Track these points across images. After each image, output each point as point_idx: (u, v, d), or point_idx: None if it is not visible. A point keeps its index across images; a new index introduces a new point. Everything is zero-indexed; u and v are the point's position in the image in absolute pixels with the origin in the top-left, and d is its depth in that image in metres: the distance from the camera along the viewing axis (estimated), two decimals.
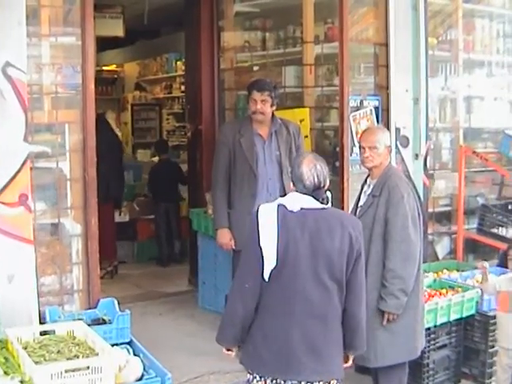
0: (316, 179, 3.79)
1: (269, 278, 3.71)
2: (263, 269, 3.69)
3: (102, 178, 8.92)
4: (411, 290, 4.84)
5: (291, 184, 3.89)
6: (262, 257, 3.68)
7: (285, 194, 5.41)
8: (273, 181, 6.21)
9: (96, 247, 5.19)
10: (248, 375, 3.86)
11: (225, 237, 6.25)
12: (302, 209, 3.76)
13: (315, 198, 3.79)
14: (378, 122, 6.83)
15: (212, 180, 6.42)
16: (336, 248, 3.71)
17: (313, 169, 3.81)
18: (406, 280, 4.81)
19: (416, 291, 4.97)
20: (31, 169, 4.84)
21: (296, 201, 3.79)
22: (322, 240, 3.73)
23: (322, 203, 3.79)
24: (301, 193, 3.81)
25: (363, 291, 3.87)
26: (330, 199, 3.85)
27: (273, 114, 6.28)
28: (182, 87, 12.56)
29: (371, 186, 5.11)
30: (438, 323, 5.90)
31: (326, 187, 3.84)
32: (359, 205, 5.20)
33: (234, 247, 6.23)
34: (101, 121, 9.57)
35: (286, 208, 3.76)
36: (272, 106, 6.18)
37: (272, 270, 3.69)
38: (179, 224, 10.05)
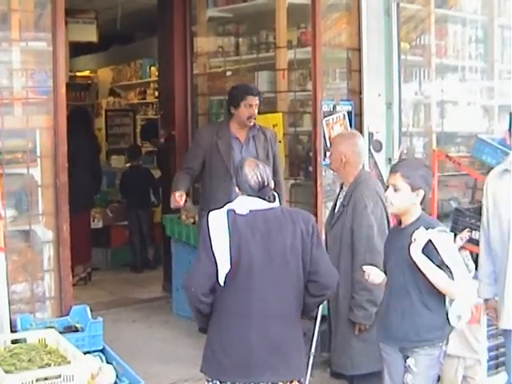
0: (260, 178, 3.86)
1: (224, 283, 3.75)
2: (217, 274, 3.75)
3: (81, 182, 9.05)
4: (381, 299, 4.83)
5: (237, 188, 3.94)
6: (216, 262, 3.73)
7: None
8: None
9: (68, 254, 5.15)
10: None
11: (174, 196, 6.18)
12: (250, 211, 3.79)
13: (262, 198, 3.85)
14: (351, 126, 6.85)
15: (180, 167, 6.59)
16: (288, 246, 3.79)
17: (255, 168, 3.89)
18: (373, 291, 4.77)
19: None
20: (1, 175, 4.78)
21: (244, 204, 3.85)
22: (274, 239, 3.80)
23: (269, 202, 3.84)
24: (247, 195, 3.87)
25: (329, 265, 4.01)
26: (276, 197, 3.91)
27: None
28: (156, 93, 12.52)
29: (343, 194, 5.11)
30: None
31: (270, 186, 3.90)
32: (335, 212, 5.21)
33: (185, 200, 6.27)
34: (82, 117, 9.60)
35: (235, 212, 3.81)
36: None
37: (227, 274, 3.74)
38: (152, 230, 10.02)
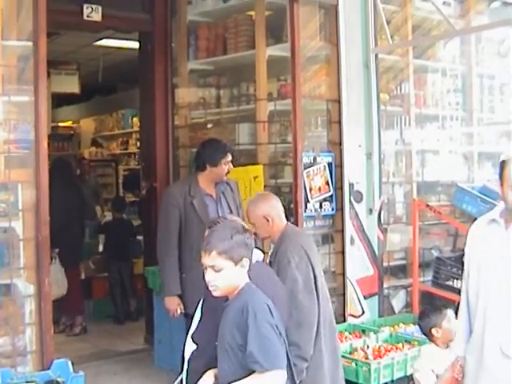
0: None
1: None
2: None
3: (74, 235, 9.11)
4: (311, 354, 4.71)
5: None
6: None
7: None
8: None
9: (49, 308, 5.15)
10: None
11: (173, 303, 5.99)
12: (256, 261, 3.88)
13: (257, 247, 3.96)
14: (331, 177, 6.93)
15: (162, 245, 6.06)
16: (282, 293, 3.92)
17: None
18: (301, 347, 4.62)
19: (318, 355, 4.81)
20: None
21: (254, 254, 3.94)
22: (276, 287, 3.97)
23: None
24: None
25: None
26: None
27: None
28: (138, 143, 12.61)
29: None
30: (394, 378, 5.94)
31: None
32: None
33: (182, 311, 5.98)
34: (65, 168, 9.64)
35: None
36: None
37: None
38: (132, 282, 10.02)
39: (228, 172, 6.16)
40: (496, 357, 3.96)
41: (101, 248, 10.33)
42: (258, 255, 4.12)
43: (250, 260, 3.73)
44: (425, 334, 5.46)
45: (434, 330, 5.30)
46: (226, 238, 3.66)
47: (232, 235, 3.67)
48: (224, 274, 3.63)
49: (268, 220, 4.92)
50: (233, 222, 3.88)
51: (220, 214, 5.94)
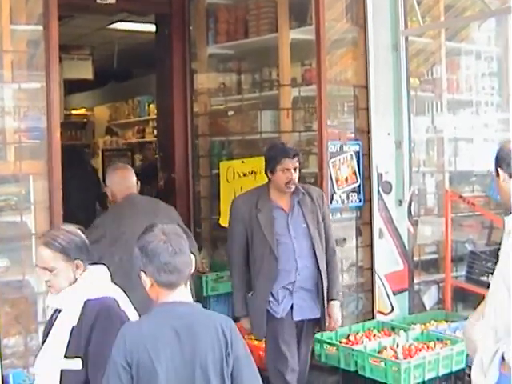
0: None
1: None
2: None
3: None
4: None
5: None
6: None
7: (318, 270, 5.60)
8: (302, 258, 5.58)
9: None
10: None
11: (245, 325, 5.71)
12: None
13: None
14: (358, 167, 6.91)
15: (229, 262, 5.88)
16: None
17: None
18: None
19: None
20: None
21: None
22: None
23: None
24: None
25: None
26: None
27: None
28: (155, 131, 12.61)
29: None
30: (426, 379, 5.92)
31: None
32: None
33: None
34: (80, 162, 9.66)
35: None
36: (300, 171, 5.72)
37: None
38: None
39: (289, 182, 5.54)
40: None
41: None
42: None
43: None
44: None
45: None
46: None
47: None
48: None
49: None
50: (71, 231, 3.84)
51: (291, 230, 5.60)
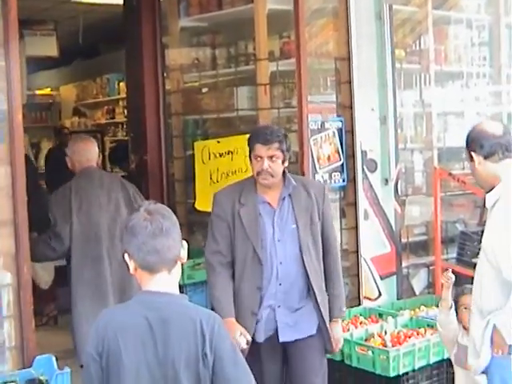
0: None
1: None
2: None
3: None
4: None
5: None
6: None
7: (308, 282, 5.09)
8: (285, 265, 5.07)
9: (30, 297, 5.17)
10: None
11: (232, 329, 4.80)
12: None
13: None
14: (341, 144, 6.92)
15: (205, 263, 5.34)
16: None
17: None
18: None
19: None
20: None
21: None
22: None
23: None
24: None
25: None
26: None
27: (284, 173, 5.17)
28: (126, 111, 12.59)
29: None
30: (416, 367, 5.98)
31: None
32: None
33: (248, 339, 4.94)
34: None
35: None
36: (284, 162, 5.07)
37: None
38: None
39: (259, 173, 5.02)
40: None
41: None
42: None
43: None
44: None
45: None
46: None
47: None
48: None
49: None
50: None
51: (276, 228, 5.08)
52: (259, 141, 5.00)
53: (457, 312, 5.17)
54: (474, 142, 4.38)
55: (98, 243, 6.12)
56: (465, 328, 5.00)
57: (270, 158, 4.96)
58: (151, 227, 3.24)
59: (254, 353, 4.91)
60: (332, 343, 5.20)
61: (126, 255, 3.31)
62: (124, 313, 3.30)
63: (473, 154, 4.36)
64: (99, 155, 6.41)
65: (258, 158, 4.99)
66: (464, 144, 4.54)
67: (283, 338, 5.06)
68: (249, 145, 5.12)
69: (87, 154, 6.31)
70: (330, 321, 5.20)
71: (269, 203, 5.11)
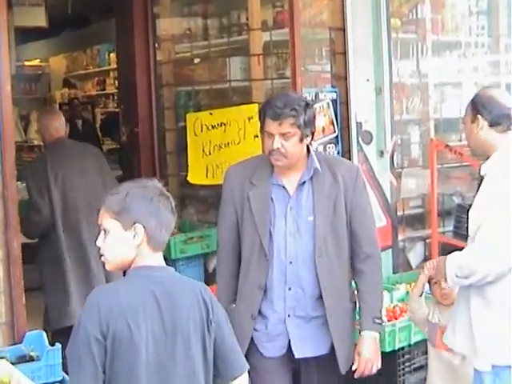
0: None
1: None
2: None
3: None
4: None
5: None
6: None
7: (318, 287, 4.34)
8: (295, 266, 4.34)
9: (20, 273, 5.15)
10: None
11: None
12: None
13: None
14: (336, 116, 6.90)
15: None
16: None
17: None
18: None
19: None
20: None
21: None
22: None
23: None
24: None
25: None
26: None
27: (309, 152, 4.41)
28: (117, 82, 12.56)
29: None
30: (412, 342, 5.99)
31: None
32: None
33: None
34: None
35: None
36: (301, 140, 4.26)
37: None
38: None
39: (273, 152, 4.25)
40: None
41: None
42: None
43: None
44: None
45: None
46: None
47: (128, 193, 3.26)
48: (110, 240, 3.26)
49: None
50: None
51: (289, 219, 4.34)
52: (269, 115, 4.21)
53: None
54: (484, 106, 4.37)
55: (75, 210, 6.39)
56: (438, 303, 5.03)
57: (283, 135, 4.18)
58: (169, 206, 3.28)
59: (257, 368, 4.24)
60: (346, 364, 4.43)
61: (138, 226, 3.20)
62: (128, 289, 3.21)
63: (479, 116, 4.36)
64: (67, 125, 6.79)
65: (269, 135, 4.23)
66: (465, 109, 4.56)
67: (299, 353, 4.37)
68: (259, 118, 4.35)
69: (55, 123, 6.67)
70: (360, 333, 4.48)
71: (284, 187, 4.35)
